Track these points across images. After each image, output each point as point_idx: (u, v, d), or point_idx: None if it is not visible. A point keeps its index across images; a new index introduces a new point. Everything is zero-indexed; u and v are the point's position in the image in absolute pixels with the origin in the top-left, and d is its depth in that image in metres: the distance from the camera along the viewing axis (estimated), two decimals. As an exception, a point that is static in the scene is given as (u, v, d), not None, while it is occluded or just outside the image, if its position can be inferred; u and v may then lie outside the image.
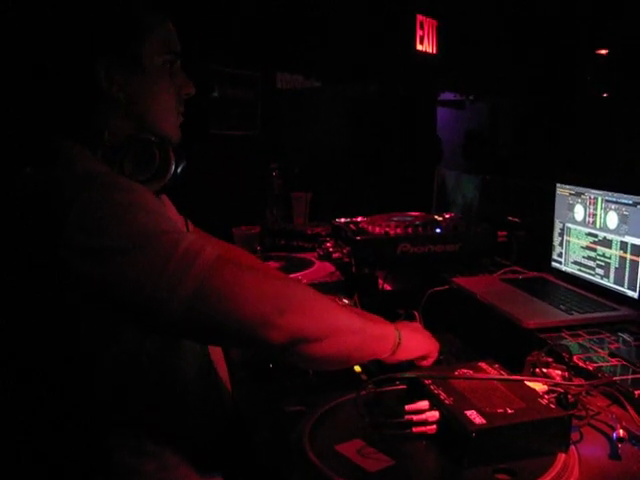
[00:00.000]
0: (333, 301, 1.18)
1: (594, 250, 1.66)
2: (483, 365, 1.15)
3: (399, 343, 1.16)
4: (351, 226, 1.91)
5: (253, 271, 1.02)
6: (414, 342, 1.20)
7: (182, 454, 1.11)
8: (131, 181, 1.05)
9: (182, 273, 0.93)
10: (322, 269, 2.00)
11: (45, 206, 0.95)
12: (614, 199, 1.58)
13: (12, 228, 0.99)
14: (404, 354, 1.17)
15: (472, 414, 0.96)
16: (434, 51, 4.59)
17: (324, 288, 1.84)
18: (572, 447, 0.99)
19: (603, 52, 5.36)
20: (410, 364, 1.21)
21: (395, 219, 1.94)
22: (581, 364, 1.22)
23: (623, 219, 1.55)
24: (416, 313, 1.51)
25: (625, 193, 1.54)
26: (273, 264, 2.09)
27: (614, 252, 1.58)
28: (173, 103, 1.18)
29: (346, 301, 1.64)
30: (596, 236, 1.65)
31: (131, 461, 1.06)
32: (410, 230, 1.84)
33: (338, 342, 1.06)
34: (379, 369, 1.21)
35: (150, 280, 0.92)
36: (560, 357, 1.21)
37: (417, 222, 1.89)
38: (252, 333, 0.97)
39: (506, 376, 1.10)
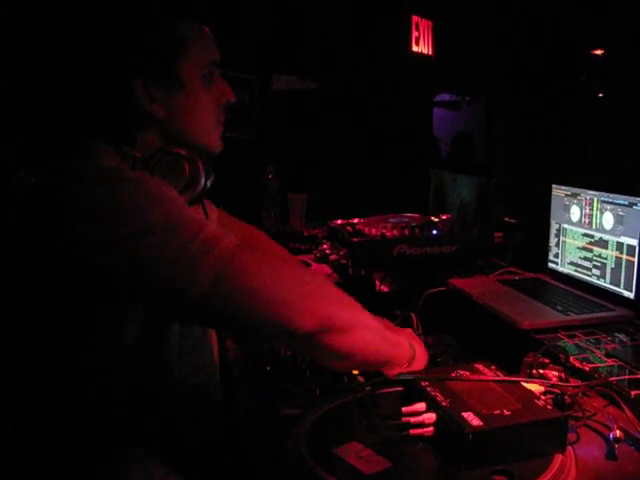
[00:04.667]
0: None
1: (590, 251, 1.66)
2: (480, 366, 1.15)
3: (413, 356, 1.17)
4: (347, 228, 1.91)
5: (278, 258, 1.03)
6: (423, 356, 1.21)
7: (170, 460, 1.10)
8: (151, 177, 1.05)
9: (200, 259, 0.91)
10: (319, 271, 2.00)
11: (60, 199, 0.94)
12: (610, 200, 1.58)
13: (23, 221, 0.98)
14: (416, 366, 1.17)
15: (469, 416, 0.96)
16: (430, 52, 4.59)
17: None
18: (569, 448, 0.99)
19: (599, 52, 5.37)
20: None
21: (391, 221, 1.94)
22: (578, 365, 1.22)
23: (619, 220, 1.55)
24: (413, 315, 1.50)
25: (620, 194, 1.54)
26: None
27: (610, 253, 1.58)
28: (213, 115, 1.18)
29: None
30: (592, 237, 1.66)
31: (116, 467, 1.04)
32: (407, 232, 1.84)
33: (361, 337, 1.06)
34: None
35: (167, 266, 0.91)
36: (557, 358, 1.21)
37: (413, 224, 1.89)
38: (278, 319, 0.95)
39: (503, 377, 1.11)
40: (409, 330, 1.34)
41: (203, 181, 1.15)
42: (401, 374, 1.15)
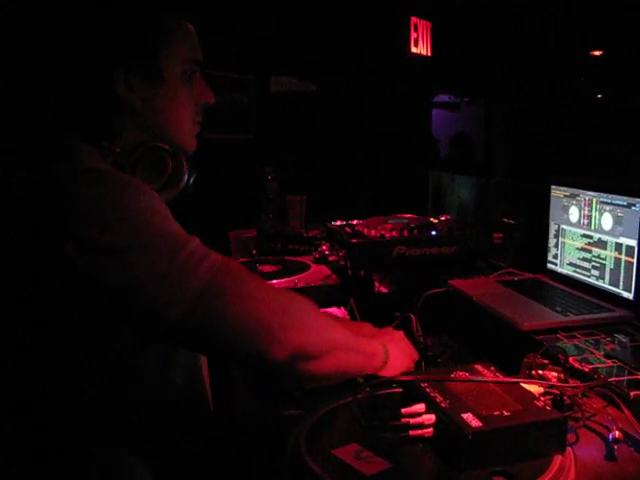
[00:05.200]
0: (330, 317, 1.18)
1: (589, 251, 1.66)
2: (479, 367, 1.15)
3: (385, 361, 1.19)
4: (347, 229, 1.91)
5: (257, 282, 1.02)
6: (398, 361, 1.23)
7: (170, 460, 1.09)
8: (141, 182, 1.02)
9: (186, 277, 0.91)
10: (318, 272, 2.00)
11: (48, 200, 0.92)
12: (609, 200, 1.58)
13: (13, 224, 0.96)
14: (388, 372, 1.19)
15: (468, 417, 0.96)
16: (428, 53, 4.60)
17: (320, 291, 1.84)
18: (568, 449, 0.99)
19: (597, 53, 5.38)
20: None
21: (391, 222, 1.94)
22: (577, 365, 1.22)
23: (618, 220, 1.55)
24: (412, 316, 1.51)
25: (619, 194, 1.55)
26: (269, 268, 2.09)
27: (609, 253, 1.58)
28: (191, 113, 1.16)
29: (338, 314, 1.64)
30: (591, 237, 1.66)
31: (116, 467, 1.03)
32: (406, 233, 1.84)
33: (335, 359, 1.08)
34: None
35: (151, 282, 0.90)
36: (556, 359, 1.21)
37: (413, 225, 1.89)
38: (253, 346, 0.96)
39: (502, 378, 1.11)
40: (396, 332, 1.35)
41: (186, 178, 1.14)
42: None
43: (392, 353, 1.21)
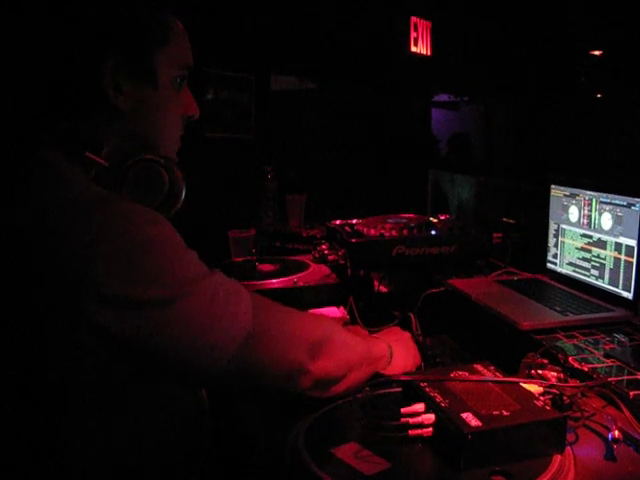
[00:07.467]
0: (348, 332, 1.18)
1: (589, 251, 1.66)
2: (478, 367, 1.15)
3: (389, 362, 1.21)
4: (346, 228, 1.91)
5: (285, 310, 1.02)
6: (401, 361, 1.24)
7: (167, 465, 1.03)
8: (157, 214, 0.90)
9: (230, 323, 0.88)
10: (317, 271, 2.00)
11: (52, 243, 0.81)
12: (608, 200, 1.58)
13: (18, 273, 0.82)
14: (390, 371, 1.21)
15: (468, 416, 0.96)
16: (428, 53, 4.60)
17: (319, 291, 1.84)
18: (568, 448, 0.99)
19: (597, 53, 5.38)
20: None
21: (390, 221, 1.94)
22: (576, 365, 1.22)
23: (617, 220, 1.55)
24: (412, 315, 1.51)
25: (619, 194, 1.54)
26: (268, 267, 2.09)
27: (609, 253, 1.58)
28: (178, 124, 1.07)
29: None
30: (591, 237, 1.66)
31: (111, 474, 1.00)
32: (405, 232, 1.84)
33: (352, 378, 1.10)
34: None
35: (197, 332, 0.85)
36: (555, 358, 1.21)
37: (412, 224, 1.89)
38: (285, 379, 0.97)
39: (501, 378, 1.11)
40: (404, 332, 1.35)
41: (184, 194, 1.04)
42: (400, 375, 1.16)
43: (396, 353, 1.23)
